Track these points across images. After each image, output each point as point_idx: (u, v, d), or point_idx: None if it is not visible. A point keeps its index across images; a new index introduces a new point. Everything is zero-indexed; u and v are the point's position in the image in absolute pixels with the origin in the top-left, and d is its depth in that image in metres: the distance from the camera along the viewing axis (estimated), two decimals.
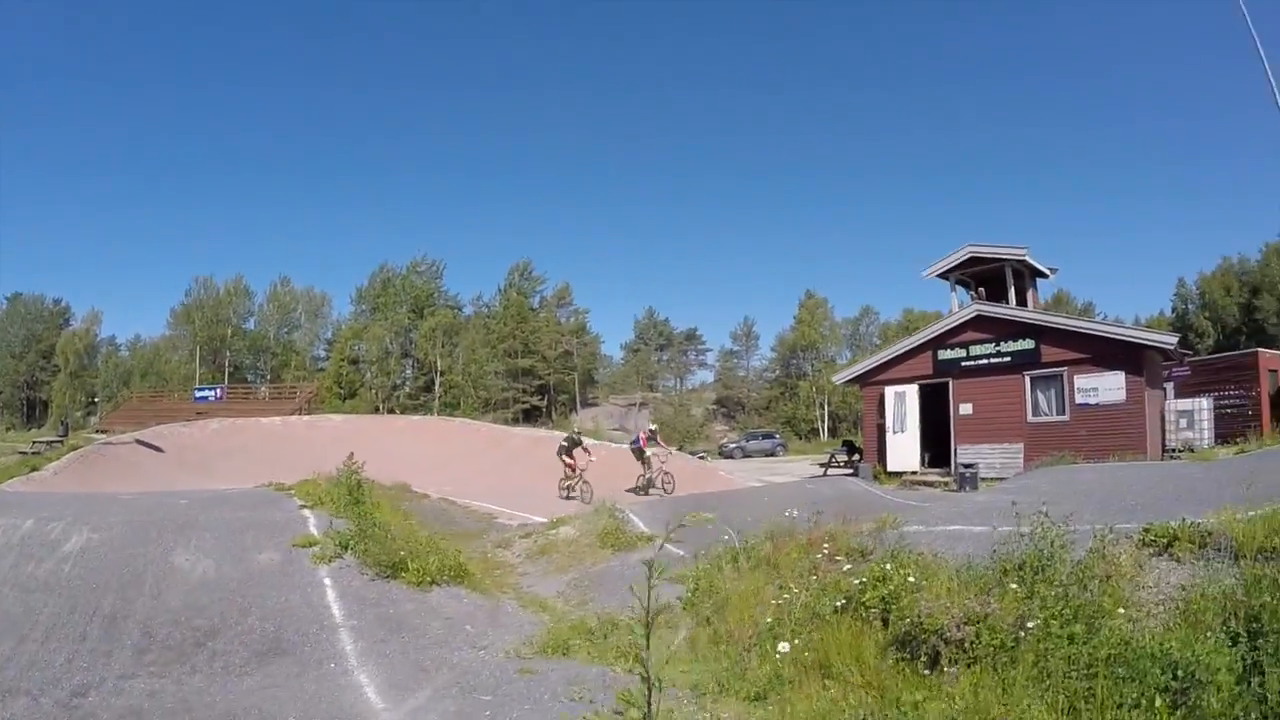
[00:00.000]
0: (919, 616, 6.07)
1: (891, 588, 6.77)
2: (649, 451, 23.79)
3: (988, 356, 25.97)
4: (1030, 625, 5.58)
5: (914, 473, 26.54)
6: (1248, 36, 22.21)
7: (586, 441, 24.15)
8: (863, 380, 30.13)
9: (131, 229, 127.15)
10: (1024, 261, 27.31)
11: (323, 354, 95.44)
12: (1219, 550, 6.58)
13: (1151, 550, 6.98)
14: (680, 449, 41.75)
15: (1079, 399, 23.64)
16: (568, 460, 22.79)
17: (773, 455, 58.68)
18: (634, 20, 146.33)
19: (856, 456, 29.71)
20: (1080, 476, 15.28)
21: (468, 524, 17.01)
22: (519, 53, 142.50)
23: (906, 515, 11.70)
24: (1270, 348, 42.64)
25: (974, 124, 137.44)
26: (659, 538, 11.77)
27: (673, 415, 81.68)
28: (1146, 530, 7.15)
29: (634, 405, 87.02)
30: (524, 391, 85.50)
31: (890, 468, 27.10)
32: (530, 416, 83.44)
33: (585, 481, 22.07)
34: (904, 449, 27.22)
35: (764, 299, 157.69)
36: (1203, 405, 26.14)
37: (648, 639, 2.71)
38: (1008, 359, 25.43)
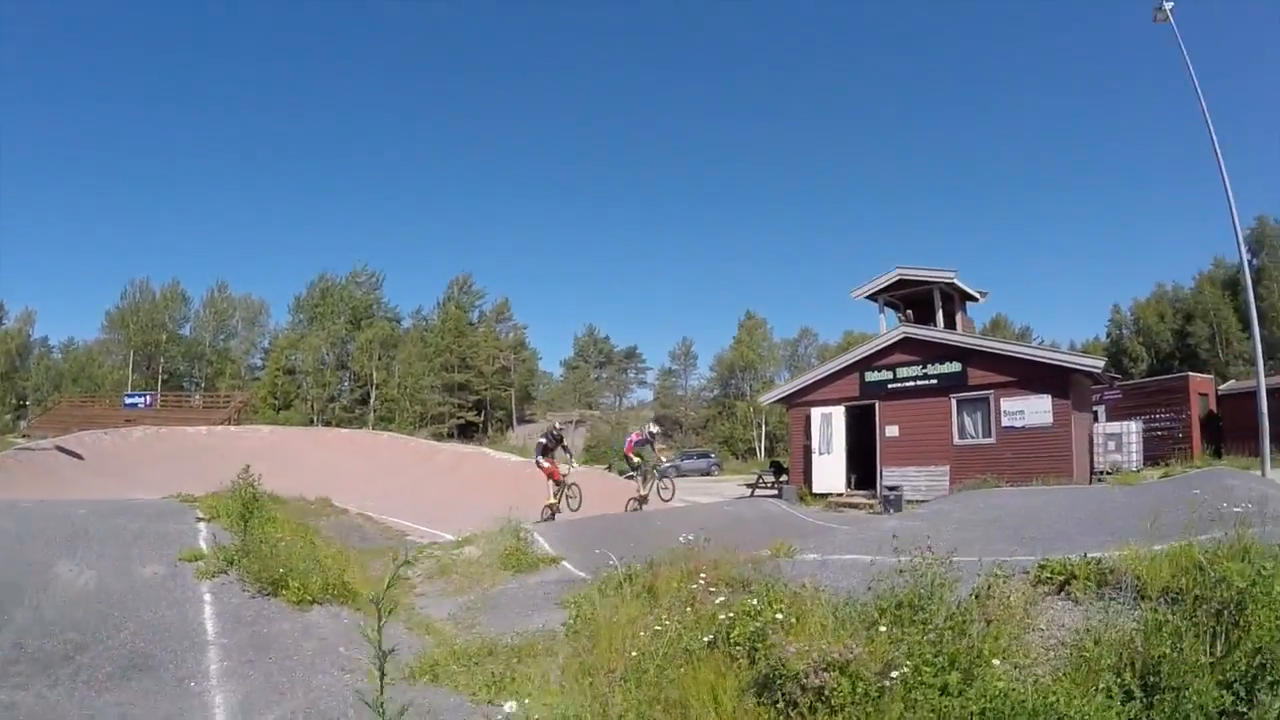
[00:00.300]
0: (778, 659, 5.51)
1: (758, 625, 6.21)
2: (636, 458, 20.71)
3: (915, 379, 25.75)
4: (894, 674, 4.99)
5: (840, 494, 26.24)
6: (1183, 69, 22.24)
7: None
8: (790, 401, 29.74)
9: (69, 228, 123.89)
10: (953, 284, 27.24)
11: (259, 363, 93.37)
12: (1120, 589, 5.97)
13: (1047, 588, 6.35)
14: (609, 468, 40.68)
15: (1005, 422, 23.44)
16: (546, 465, 19.33)
17: (708, 474, 58.35)
18: (573, 43, 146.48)
19: (784, 477, 29.26)
20: (997, 501, 14.91)
21: (379, 541, 16.62)
22: (460, 70, 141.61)
23: (812, 540, 11.40)
24: (1202, 373, 43.45)
25: (918, 150, 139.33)
26: (563, 559, 11.25)
27: (609, 433, 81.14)
28: (1042, 566, 6.54)
29: (571, 423, 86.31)
30: (460, 406, 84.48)
31: (816, 489, 26.74)
32: (466, 432, 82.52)
33: (573, 484, 19.45)
34: (830, 470, 26.91)
35: (705, 319, 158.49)
36: (1131, 428, 26.27)
37: (380, 685, 2.68)
38: (934, 381, 25.23)
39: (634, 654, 6.75)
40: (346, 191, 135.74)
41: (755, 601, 6.58)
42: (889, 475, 25.05)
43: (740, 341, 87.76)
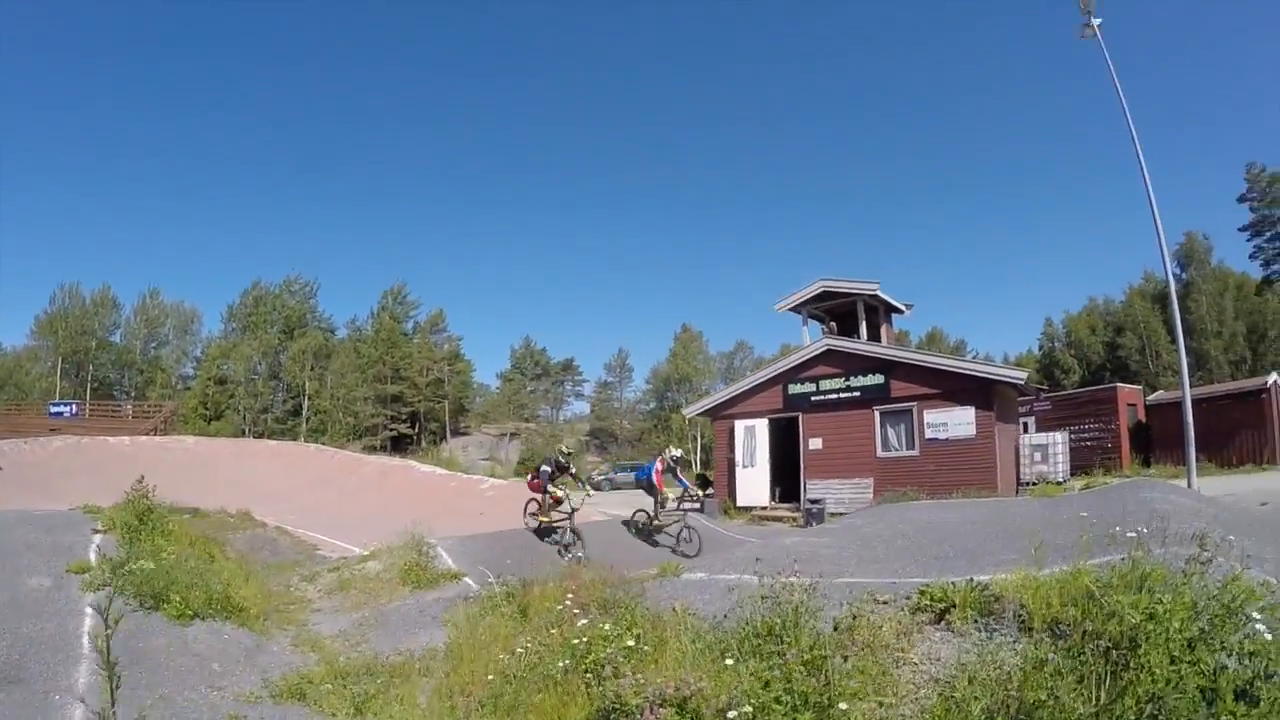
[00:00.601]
0: (615, 693, 5.16)
1: (610, 651, 5.85)
2: (669, 491, 18.06)
3: (838, 391, 25.56)
4: (732, 715, 4.47)
5: (764, 508, 25.95)
6: (1112, 87, 22.12)
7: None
8: (714, 414, 29.52)
9: None
10: (876, 296, 27.19)
11: (191, 372, 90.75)
12: (1002, 620, 5.40)
13: (926, 615, 5.78)
14: None
15: (929, 434, 23.29)
16: (551, 494, 16.97)
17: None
18: (506, 49, 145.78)
19: (709, 490, 28.85)
20: (911, 515, 14.65)
21: (290, 555, 16.37)
22: (394, 78, 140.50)
23: (708, 558, 11.53)
24: (1132, 384, 44.08)
25: (858, 164, 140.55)
26: (465, 575, 10.67)
27: (543, 446, 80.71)
28: (922, 592, 5.96)
29: (505, 435, 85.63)
30: (393, 418, 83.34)
31: (740, 502, 26.42)
32: (399, 444, 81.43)
33: (579, 538, 16.15)
34: (754, 483, 26.62)
35: (642, 331, 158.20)
36: (1057, 439, 26.34)
37: (112, 698, 2.95)
38: (858, 394, 24.99)
39: (491, 678, 6.65)
40: (282, 198, 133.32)
41: (609, 626, 6.30)
42: (813, 488, 24.81)
43: (676, 354, 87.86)
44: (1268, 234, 72.99)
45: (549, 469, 17.44)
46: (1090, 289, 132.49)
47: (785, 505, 25.87)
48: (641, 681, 5.03)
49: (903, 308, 28.86)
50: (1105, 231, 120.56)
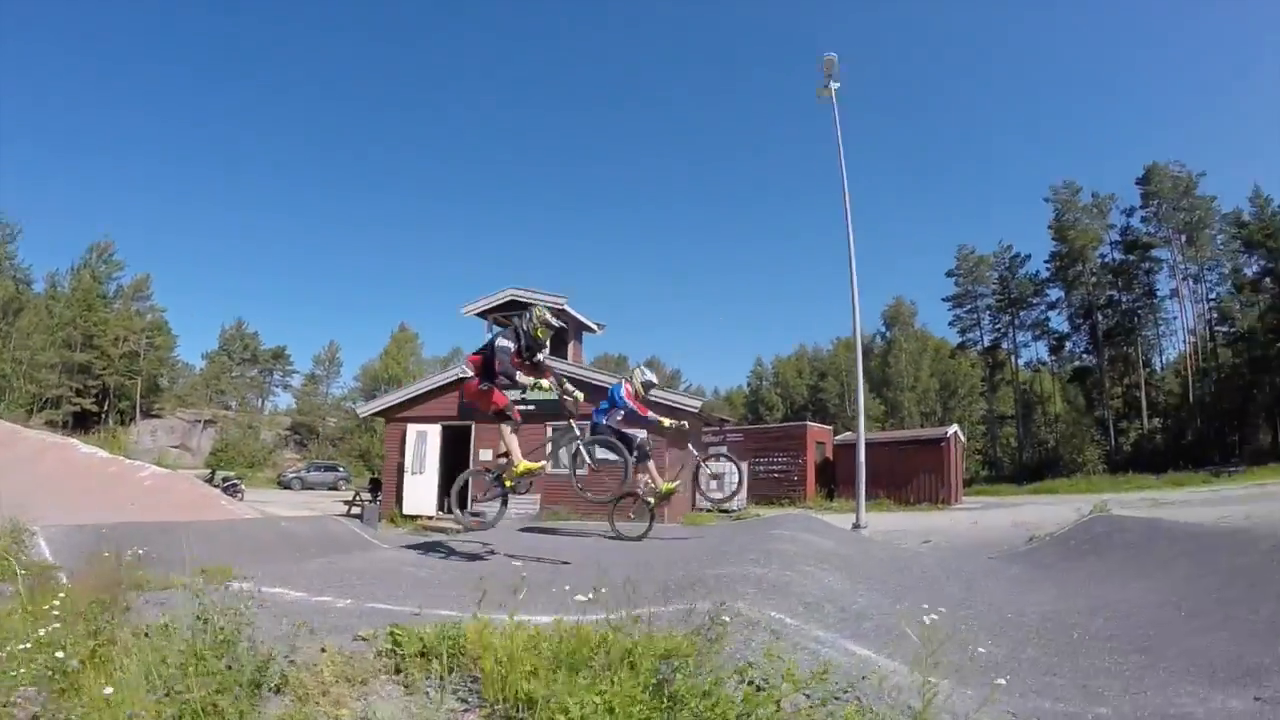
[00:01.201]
0: None
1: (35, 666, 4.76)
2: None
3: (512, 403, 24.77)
4: None
5: (430, 517, 25.32)
6: (836, 153, 22.73)
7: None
8: (388, 415, 28.89)
9: None
10: (564, 311, 27.12)
11: None
12: (464, 680, 4.61)
13: (389, 661, 4.92)
14: (213, 479, 37.40)
15: (599, 455, 22.99)
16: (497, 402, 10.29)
17: (335, 489, 56.95)
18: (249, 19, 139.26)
19: (379, 495, 27.96)
20: (537, 536, 14.97)
21: None
22: (125, 15, 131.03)
23: (283, 569, 10.05)
24: (826, 424, 46.50)
25: (577, 192, 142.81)
26: (60, 569, 9.31)
27: (240, 438, 76.77)
28: (392, 633, 5.10)
29: (201, 422, 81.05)
30: (78, 391, 76.70)
31: (407, 510, 25.81)
32: (84, 422, 74.92)
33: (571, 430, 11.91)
34: (421, 491, 26.24)
35: (359, 326, 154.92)
36: (732, 469, 26.83)
37: None
38: (531, 407, 24.16)
39: None
40: None
41: (45, 634, 5.16)
42: (479, 500, 24.00)
43: (389, 353, 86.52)
44: (967, 306, 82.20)
45: (509, 344, 9.98)
46: (803, 337, 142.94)
47: (451, 516, 25.27)
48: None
49: (595, 327, 29.33)
50: (825, 287, 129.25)
